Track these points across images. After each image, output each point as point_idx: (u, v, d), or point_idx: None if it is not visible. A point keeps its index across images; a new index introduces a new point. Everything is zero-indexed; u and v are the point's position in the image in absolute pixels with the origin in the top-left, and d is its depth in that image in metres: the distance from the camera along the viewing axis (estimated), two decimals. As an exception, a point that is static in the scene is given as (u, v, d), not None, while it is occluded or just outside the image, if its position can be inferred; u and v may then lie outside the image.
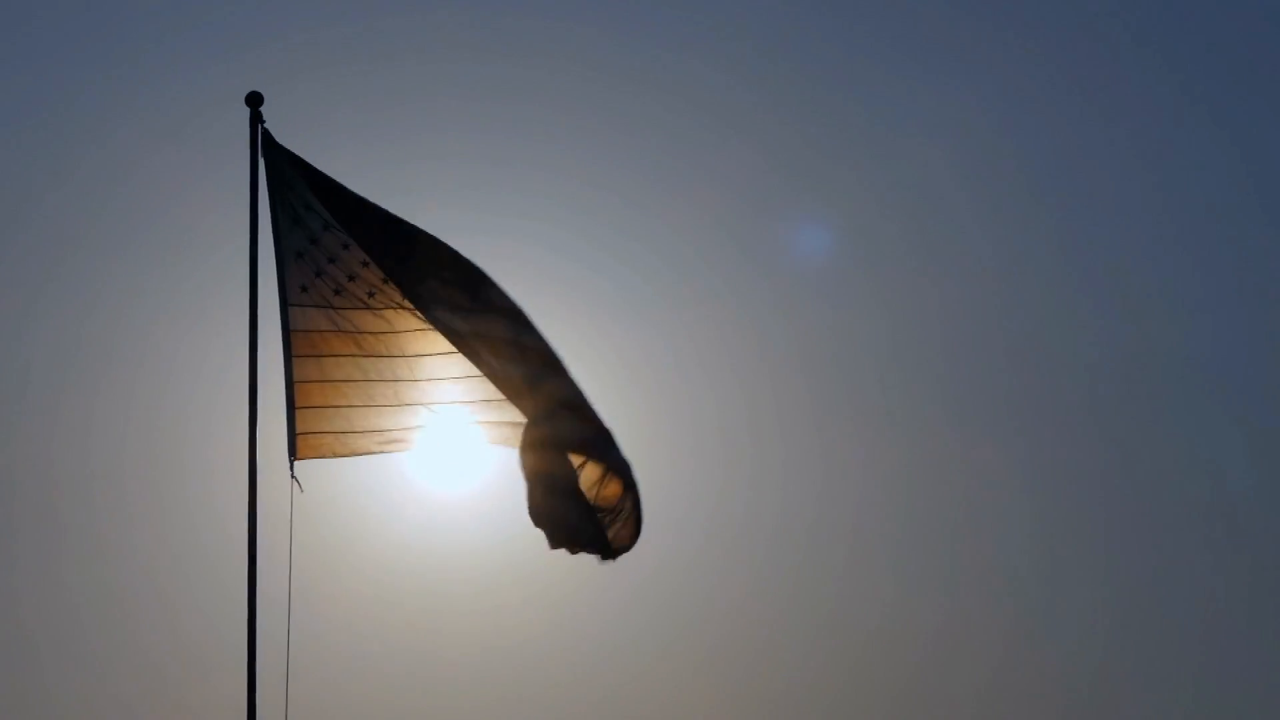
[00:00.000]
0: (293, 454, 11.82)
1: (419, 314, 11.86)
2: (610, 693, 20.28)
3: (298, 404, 11.84)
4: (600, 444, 11.59)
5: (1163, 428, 22.08)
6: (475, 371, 11.84)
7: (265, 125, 11.97)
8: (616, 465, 11.54)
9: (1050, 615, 21.29)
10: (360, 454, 11.95)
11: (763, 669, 20.78)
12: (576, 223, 21.77)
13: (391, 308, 11.93)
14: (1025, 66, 22.75)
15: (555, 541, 11.67)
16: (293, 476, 11.76)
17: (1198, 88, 22.94)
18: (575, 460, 11.56)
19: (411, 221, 11.91)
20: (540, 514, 11.63)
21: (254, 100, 11.99)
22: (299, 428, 11.83)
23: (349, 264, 11.92)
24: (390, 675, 19.96)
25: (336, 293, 11.93)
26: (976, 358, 22.17)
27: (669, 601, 20.04)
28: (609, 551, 11.60)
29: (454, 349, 11.86)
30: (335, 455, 11.93)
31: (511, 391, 11.77)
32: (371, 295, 11.96)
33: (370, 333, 11.94)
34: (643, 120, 22.28)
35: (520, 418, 11.78)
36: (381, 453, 12.00)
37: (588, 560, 11.56)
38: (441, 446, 12.10)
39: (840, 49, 23.01)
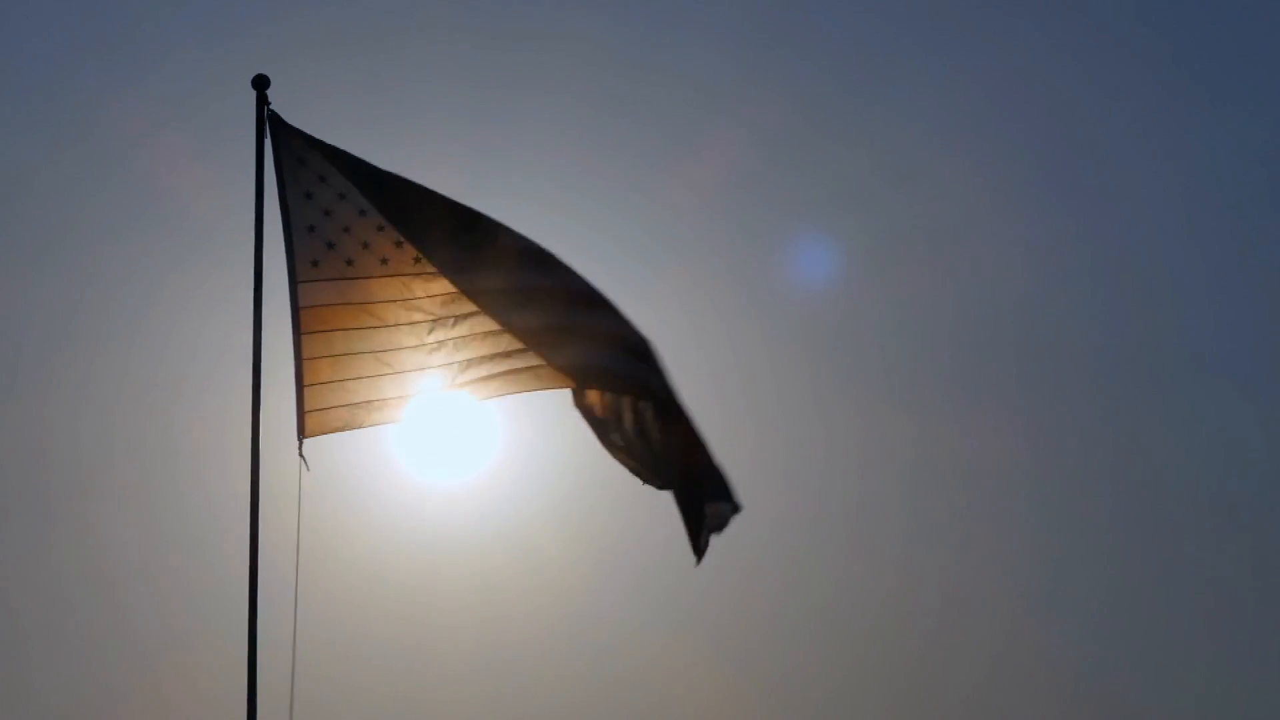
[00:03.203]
0: (301, 433, 11.67)
1: (438, 274, 11.89)
2: (610, 678, 20.28)
3: (306, 381, 11.71)
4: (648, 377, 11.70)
5: (1168, 415, 22.09)
6: (495, 326, 11.89)
7: (271, 107, 11.98)
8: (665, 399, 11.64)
9: (1055, 602, 21.31)
10: (370, 425, 11.88)
11: (763, 656, 20.78)
12: (578, 207, 21.78)
13: (405, 275, 11.92)
14: (1032, 57, 22.75)
15: (645, 478, 11.76)
16: (301, 456, 11.62)
17: (1207, 76, 22.94)
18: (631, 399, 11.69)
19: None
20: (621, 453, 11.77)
21: (260, 83, 12.03)
22: (307, 405, 11.70)
23: (364, 231, 11.84)
24: (395, 657, 19.97)
25: (349, 263, 11.83)
26: (981, 345, 22.17)
27: (670, 588, 19.99)
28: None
29: (476, 308, 11.90)
30: (346, 429, 11.76)
31: (533, 340, 11.81)
32: (385, 262, 11.86)
33: (382, 301, 11.89)
34: (647, 107, 22.30)
35: (538, 360, 11.82)
36: (390, 423, 11.97)
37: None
38: (443, 415, 12.00)
39: (848, 39, 23.03)
